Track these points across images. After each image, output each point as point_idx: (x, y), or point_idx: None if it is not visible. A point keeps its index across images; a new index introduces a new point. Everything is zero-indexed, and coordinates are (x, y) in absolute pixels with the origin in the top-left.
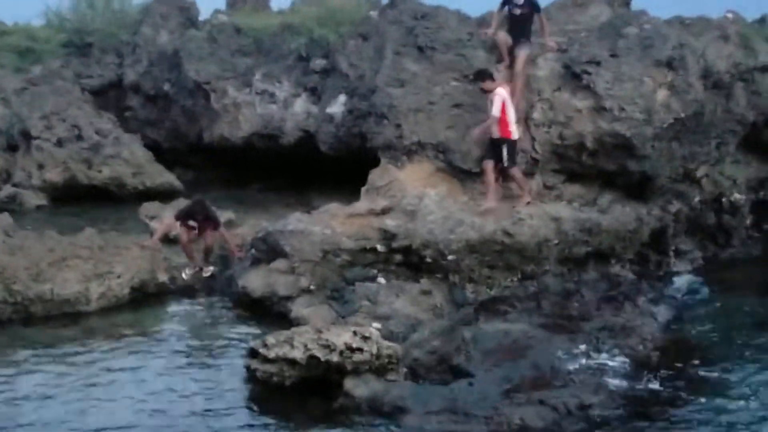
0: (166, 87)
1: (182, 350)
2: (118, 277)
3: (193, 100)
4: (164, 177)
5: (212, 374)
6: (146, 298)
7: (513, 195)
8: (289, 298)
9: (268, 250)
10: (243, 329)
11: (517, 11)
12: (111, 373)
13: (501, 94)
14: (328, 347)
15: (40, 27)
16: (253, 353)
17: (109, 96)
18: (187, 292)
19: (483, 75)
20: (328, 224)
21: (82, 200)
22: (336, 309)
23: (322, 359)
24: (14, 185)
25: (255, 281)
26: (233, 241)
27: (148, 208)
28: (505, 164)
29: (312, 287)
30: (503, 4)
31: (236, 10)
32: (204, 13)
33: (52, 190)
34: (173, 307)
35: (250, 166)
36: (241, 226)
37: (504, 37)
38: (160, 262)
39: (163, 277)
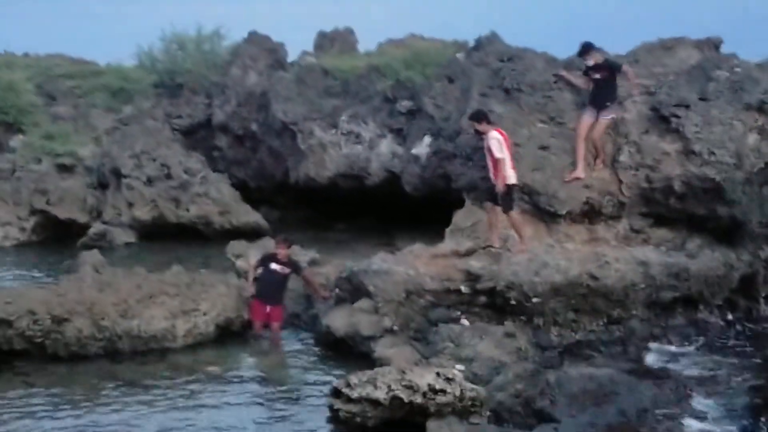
0: (254, 127)
1: (265, 388)
2: (204, 314)
3: (280, 140)
4: (250, 216)
5: (295, 413)
6: (231, 336)
7: (599, 237)
8: (372, 338)
9: (352, 290)
10: (326, 369)
11: (597, 75)
12: (194, 410)
13: (496, 136)
14: (412, 388)
15: (132, 67)
16: (336, 393)
17: (198, 136)
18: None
19: (478, 116)
20: (412, 264)
21: (169, 238)
22: (419, 350)
23: (406, 400)
24: (104, 222)
25: (339, 320)
26: (317, 282)
27: (235, 246)
28: (504, 209)
29: (395, 327)
30: (585, 72)
31: (323, 52)
32: (292, 55)
33: (141, 228)
34: (257, 345)
35: (335, 206)
36: (325, 265)
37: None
38: (245, 300)
39: (248, 315)
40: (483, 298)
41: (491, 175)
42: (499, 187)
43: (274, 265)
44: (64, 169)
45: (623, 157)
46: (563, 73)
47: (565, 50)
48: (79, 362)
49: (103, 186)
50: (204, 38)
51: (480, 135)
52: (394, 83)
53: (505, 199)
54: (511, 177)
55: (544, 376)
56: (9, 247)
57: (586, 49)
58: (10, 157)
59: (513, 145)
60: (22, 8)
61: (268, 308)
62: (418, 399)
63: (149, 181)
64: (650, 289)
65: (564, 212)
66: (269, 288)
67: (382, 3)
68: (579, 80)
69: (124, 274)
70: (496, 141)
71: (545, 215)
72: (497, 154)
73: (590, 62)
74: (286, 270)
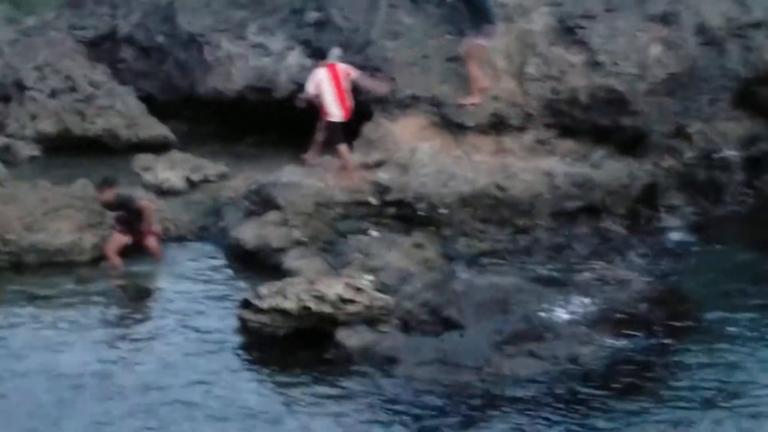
0: (160, 39)
1: (175, 300)
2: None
3: (186, 53)
4: (158, 129)
5: (205, 325)
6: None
7: (506, 149)
8: (282, 250)
9: (261, 203)
10: (235, 281)
11: None
12: (104, 320)
13: (319, 74)
14: (321, 298)
15: None
16: (246, 304)
17: (102, 48)
18: (180, 242)
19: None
20: (321, 177)
21: (75, 151)
22: (329, 261)
23: (315, 310)
24: (7, 136)
25: (248, 233)
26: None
27: (142, 159)
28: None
29: (305, 239)
30: None
31: None
32: None
33: (46, 141)
34: (166, 258)
35: (244, 119)
36: (234, 179)
37: None
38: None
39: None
40: (392, 210)
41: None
42: (320, 125)
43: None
44: None
45: (530, 69)
46: None
47: None
48: None
49: (5, 99)
50: None
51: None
52: None
53: (330, 135)
54: (335, 115)
55: (451, 285)
56: None
57: None
58: None
59: (421, 57)
60: None
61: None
62: (327, 309)
63: (53, 94)
64: (555, 199)
65: (472, 124)
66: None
67: None
68: None
69: (30, 188)
70: (315, 78)
71: (453, 127)
72: (311, 91)
73: None
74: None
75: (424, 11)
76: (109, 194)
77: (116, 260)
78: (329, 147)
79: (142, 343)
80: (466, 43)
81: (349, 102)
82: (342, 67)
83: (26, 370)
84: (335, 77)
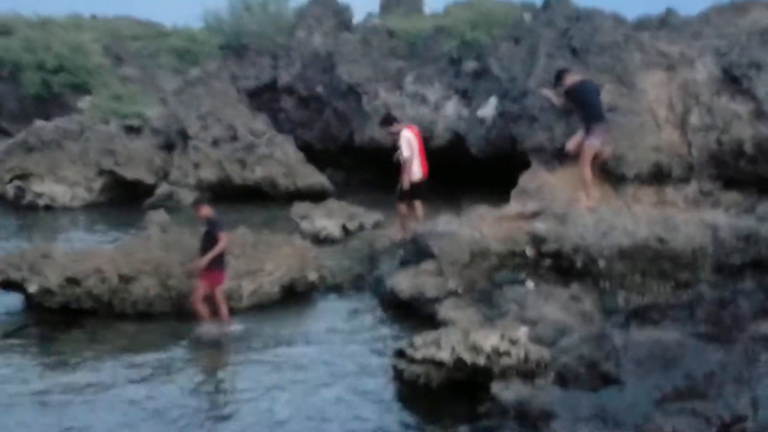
0: (319, 89)
1: (329, 350)
2: (270, 274)
3: (345, 102)
4: (315, 178)
5: (359, 374)
6: (295, 297)
7: (667, 201)
8: (436, 300)
9: (416, 252)
10: (390, 329)
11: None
12: (259, 368)
13: (406, 135)
14: (476, 350)
15: (199, 30)
16: (400, 354)
17: (263, 98)
18: (335, 291)
19: (387, 120)
20: (477, 227)
21: (235, 199)
22: (483, 312)
23: (469, 362)
24: (170, 183)
25: (403, 282)
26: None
27: (299, 208)
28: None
29: (459, 290)
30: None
31: (389, 14)
32: (358, 17)
33: (207, 189)
34: (322, 306)
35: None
36: (389, 228)
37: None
38: (310, 260)
39: (312, 276)
40: (548, 261)
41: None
42: (405, 184)
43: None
44: (132, 130)
45: (693, 119)
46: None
47: (635, 10)
48: (145, 321)
49: (169, 147)
50: (270, 0)
51: (394, 136)
52: (460, 44)
53: (406, 193)
54: (417, 174)
55: (609, 339)
56: (77, 207)
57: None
58: (78, 118)
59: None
60: None
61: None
62: (482, 361)
63: (215, 143)
64: (719, 253)
65: (632, 174)
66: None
67: None
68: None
69: (191, 234)
70: (406, 140)
71: (613, 177)
72: (405, 154)
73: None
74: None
75: (582, 60)
76: (206, 210)
77: (203, 311)
78: (409, 201)
79: (304, 390)
80: (573, 141)
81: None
82: (417, 129)
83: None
84: (418, 138)
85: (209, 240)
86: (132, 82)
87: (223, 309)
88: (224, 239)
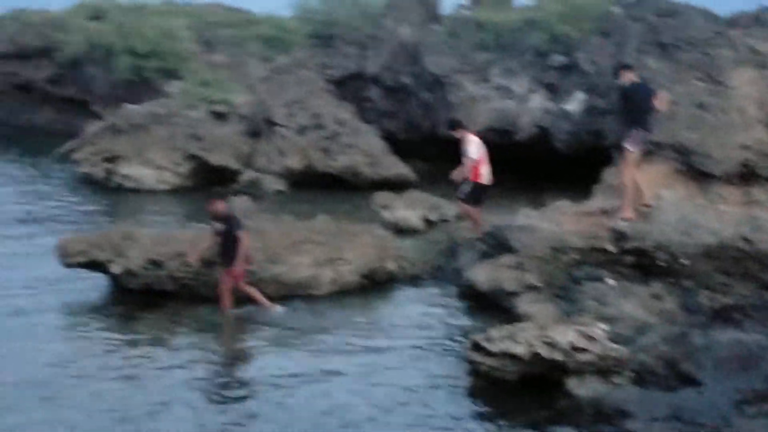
0: (405, 79)
1: (405, 339)
2: (349, 263)
3: (430, 93)
4: (398, 168)
5: (434, 365)
6: (374, 286)
7: (754, 201)
8: (514, 294)
9: (496, 245)
10: (467, 322)
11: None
12: (337, 357)
13: (474, 140)
14: (552, 345)
15: (288, 18)
16: (475, 346)
17: (349, 87)
18: (414, 281)
19: (454, 125)
20: (558, 221)
21: (318, 187)
22: (562, 307)
23: (545, 357)
24: (255, 170)
25: (482, 275)
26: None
27: (381, 197)
28: (460, 196)
29: (538, 284)
30: None
31: (479, 5)
32: (448, 8)
33: (291, 176)
34: (400, 296)
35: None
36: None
37: None
38: (389, 250)
39: (391, 266)
40: (630, 258)
41: (468, 174)
42: (469, 186)
43: (215, 224)
44: (219, 116)
45: None
46: None
47: (726, 6)
48: None
49: (255, 134)
50: None
51: (460, 140)
52: (548, 37)
53: (472, 193)
54: (486, 177)
55: (689, 338)
56: (163, 190)
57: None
58: (167, 102)
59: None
60: None
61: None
62: (559, 356)
63: (301, 131)
64: None
65: (718, 173)
66: (217, 250)
67: None
68: None
69: (273, 221)
70: (475, 143)
71: (698, 175)
72: (474, 156)
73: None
74: (221, 227)
75: (671, 56)
76: (220, 206)
77: (228, 300)
78: (476, 205)
79: (376, 377)
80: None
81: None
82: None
83: None
84: (482, 143)
85: (230, 239)
86: (221, 68)
87: (257, 295)
88: (246, 238)
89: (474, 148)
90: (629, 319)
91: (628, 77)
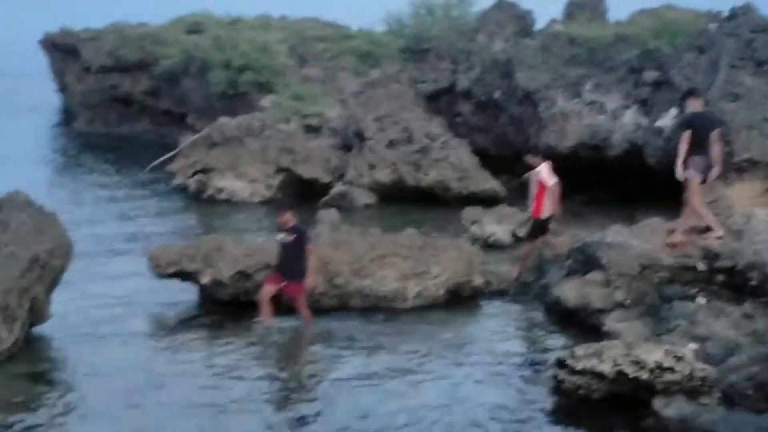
0: (497, 94)
1: (490, 355)
2: (435, 277)
3: (521, 108)
4: (489, 183)
5: (518, 381)
6: (460, 300)
7: None
8: (603, 311)
9: (585, 261)
10: (553, 339)
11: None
12: (418, 371)
13: (546, 168)
14: (638, 364)
15: (381, 32)
16: (560, 364)
17: (441, 101)
18: (500, 297)
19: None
20: (649, 239)
21: (407, 201)
22: (651, 326)
23: (631, 376)
24: (345, 183)
25: (570, 291)
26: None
27: (470, 212)
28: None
29: (627, 302)
30: None
31: (573, 20)
32: (541, 23)
33: (381, 190)
34: (486, 312)
35: (574, 176)
36: (559, 236)
37: None
38: (476, 265)
39: (478, 281)
40: (721, 277)
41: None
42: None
43: (280, 235)
44: (311, 129)
45: None
46: None
47: None
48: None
49: (346, 147)
50: (452, 4)
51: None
52: (641, 53)
53: (533, 229)
54: (547, 212)
55: None
56: (255, 202)
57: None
58: (260, 116)
59: (762, 120)
60: None
61: (284, 283)
62: (645, 375)
63: (391, 144)
64: None
65: None
66: (281, 260)
67: None
68: None
69: (359, 234)
70: (548, 170)
71: None
72: (551, 182)
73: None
74: (289, 238)
75: (766, 73)
76: (289, 216)
77: (266, 310)
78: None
79: (459, 392)
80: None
81: None
82: None
83: None
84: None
85: (298, 250)
86: (314, 82)
87: (305, 311)
88: (315, 252)
89: (548, 174)
90: (719, 339)
91: (693, 105)
